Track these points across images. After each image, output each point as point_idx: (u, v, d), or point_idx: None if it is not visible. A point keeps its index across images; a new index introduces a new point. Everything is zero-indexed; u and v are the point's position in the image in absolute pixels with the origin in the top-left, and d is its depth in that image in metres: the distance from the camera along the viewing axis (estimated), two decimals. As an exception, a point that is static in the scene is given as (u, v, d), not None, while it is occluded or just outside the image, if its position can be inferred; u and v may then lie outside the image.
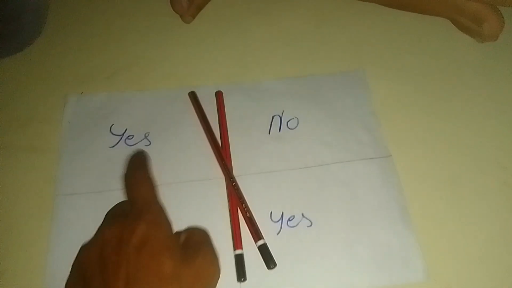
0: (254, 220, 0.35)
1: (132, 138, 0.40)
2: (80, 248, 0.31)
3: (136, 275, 0.26)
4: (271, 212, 0.36)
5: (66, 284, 0.29)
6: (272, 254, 0.34)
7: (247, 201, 0.36)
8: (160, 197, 0.33)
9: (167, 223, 0.30)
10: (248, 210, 0.35)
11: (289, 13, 0.48)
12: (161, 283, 0.26)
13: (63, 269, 0.32)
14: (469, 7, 0.43)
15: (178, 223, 0.34)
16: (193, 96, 0.41)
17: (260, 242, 0.34)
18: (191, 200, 0.37)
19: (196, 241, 0.31)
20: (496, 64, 0.44)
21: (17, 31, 0.44)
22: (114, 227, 0.29)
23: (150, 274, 0.26)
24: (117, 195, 0.36)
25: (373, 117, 0.41)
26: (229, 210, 0.36)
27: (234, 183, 0.36)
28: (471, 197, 0.37)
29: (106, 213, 0.34)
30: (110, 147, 0.39)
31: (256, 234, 0.34)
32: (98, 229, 0.32)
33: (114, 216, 0.32)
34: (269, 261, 0.33)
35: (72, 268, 0.30)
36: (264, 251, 0.34)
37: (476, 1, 0.42)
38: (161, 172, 0.37)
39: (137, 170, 0.34)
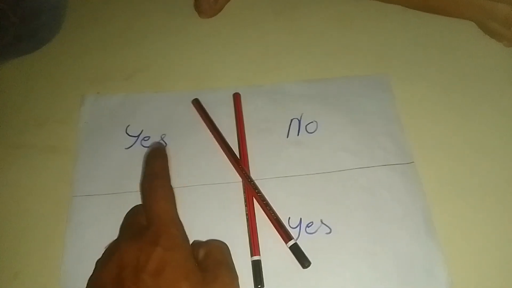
0: (281, 221, 0.34)
1: (148, 139, 0.39)
2: (96, 263, 0.30)
3: None
4: (289, 218, 0.35)
5: None
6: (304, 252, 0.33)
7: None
8: (177, 212, 0.32)
9: (184, 246, 0.29)
10: (273, 211, 0.35)
11: (312, 15, 0.47)
12: None
13: (79, 270, 0.33)
14: (500, 10, 0.42)
15: (194, 228, 0.34)
16: (197, 103, 0.41)
17: (291, 242, 0.33)
18: (207, 204, 0.36)
19: (215, 261, 0.30)
20: (524, 69, 0.43)
21: (35, 30, 0.44)
22: (131, 249, 0.28)
23: None
24: (133, 197, 0.36)
25: (396, 122, 0.40)
26: (246, 215, 0.35)
27: (255, 188, 0.36)
28: (498, 206, 0.36)
29: (123, 219, 0.33)
30: (126, 148, 0.39)
31: (286, 234, 0.34)
32: (115, 242, 0.31)
33: (132, 230, 0.31)
34: (303, 260, 0.33)
35: (87, 283, 0.30)
36: (297, 250, 0.33)
37: (507, 4, 0.41)
38: (177, 174, 0.37)
39: (156, 178, 0.33)
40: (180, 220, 0.32)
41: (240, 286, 0.32)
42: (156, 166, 0.35)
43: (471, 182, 0.37)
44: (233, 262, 0.31)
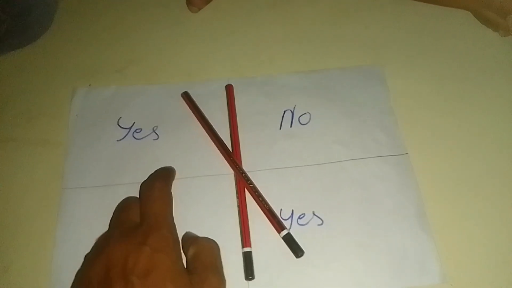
0: (274, 211, 0.34)
1: (140, 131, 0.39)
2: (85, 257, 0.30)
3: None
4: (281, 210, 0.35)
5: None
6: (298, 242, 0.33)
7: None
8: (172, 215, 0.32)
9: (173, 248, 0.29)
10: (266, 202, 0.35)
11: (305, 6, 0.47)
12: None
13: (70, 262, 0.33)
14: (496, -1, 0.41)
15: (186, 220, 0.34)
16: (186, 97, 0.40)
17: (284, 232, 0.33)
18: (199, 196, 0.36)
19: (203, 264, 0.30)
20: (520, 59, 0.42)
21: (26, 26, 0.44)
22: (120, 247, 0.28)
23: None
24: (125, 190, 0.36)
25: (389, 113, 0.40)
26: (238, 207, 0.35)
27: (247, 179, 0.36)
28: (491, 199, 0.36)
29: (114, 212, 0.33)
30: (118, 141, 0.39)
31: (279, 224, 0.34)
32: (104, 238, 0.31)
33: (122, 228, 0.31)
34: (297, 250, 0.33)
35: (75, 277, 0.30)
36: (290, 240, 0.33)
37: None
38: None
39: (157, 180, 0.34)
40: (174, 223, 0.31)
41: (230, 278, 0.32)
42: (160, 172, 0.36)
43: (465, 174, 0.37)
44: (221, 265, 0.31)
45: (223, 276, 0.30)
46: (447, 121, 0.39)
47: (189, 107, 0.40)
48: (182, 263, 0.29)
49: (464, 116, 0.40)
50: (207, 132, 0.38)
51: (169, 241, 0.29)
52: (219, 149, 0.38)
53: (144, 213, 0.31)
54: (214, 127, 0.39)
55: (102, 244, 0.30)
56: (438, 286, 0.32)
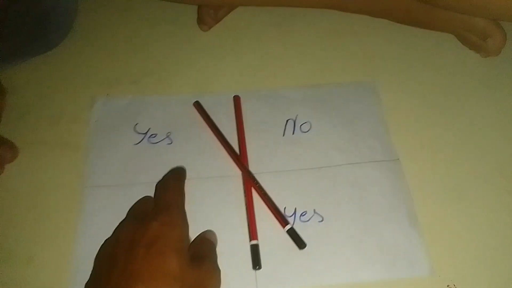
0: (278, 208, 0.37)
1: (155, 136, 0.42)
2: (103, 242, 0.33)
3: (140, 270, 0.28)
4: (284, 208, 0.38)
5: (90, 276, 0.31)
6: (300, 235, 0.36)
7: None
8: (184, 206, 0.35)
9: (182, 227, 0.32)
10: (271, 199, 0.37)
11: (306, 27, 0.51)
12: (164, 281, 0.28)
13: (89, 255, 0.34)
14: (476, 23, 0.45)
15: (197, 216, 0.37)
16: (198, 105, 0.44)
17: (288, 227, 0.36)
18: (209, 195, 0.39)
19: (199, 254, 0.32)
20: (498, 77, 0.47)
21: (46, 31, 0.46)
22: (130, 226, 0.31)
23: (154, 271, 0.28)
24: (140, 188, 0.38)
25: (382, 124, 0.43)
26: (246, 204, 0.38)
27: (253, 179, 0.39)
28: (474, 201, 0.39)
29: (131, 206, 0.36)
30: (134, 145, 0.42)
31: (283, 219, 0.36)
32: (119, 224, 0.34)
33: (135, 213, 0.35)
34: (300, 242, 0.35)
35: (94, 261, 0.32)
36: (293, 234, 0.36)
37: (482, 18, 0.45)
38: None
39: (171, 179, 0.38)
40: (185, 212, 0.34)
41: (239, 268, 0.35)
42: (173, 170, 0.39)
43: (451, 177, 0.40)
44: (216, 257, 0.33)
45: (218, 267, 0.33)
46: (434, 130, 0.43)
47: (200, 114, 0.43)
48: (187, 243, 0.32)
49: (449, 126, 0.43)
50: (216, 137, 0.42)
51: (178, 220, 0.32)
52: (227, 152, 0.41)
53: (157, 199, 0.34)
54: (222, 133, 0.42)
55: (116, 228, 0.33)
56: (426, 278, 0.35)
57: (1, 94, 0.43)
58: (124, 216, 0.37)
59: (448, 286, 0.35)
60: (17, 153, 0.41)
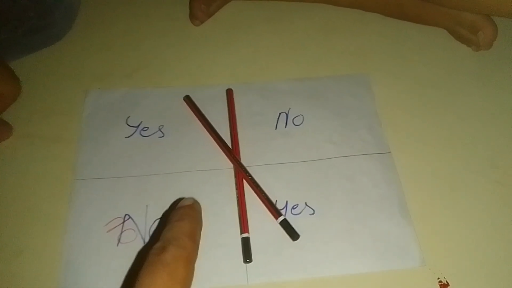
0: (271, 200, 0.37)
1: (147, 129, 0.42)
2: None
3: None
4: (276, 201, 0.38)
5: None
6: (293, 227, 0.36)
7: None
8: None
9: None
10: (263, 191, 0.37)
11: (299, 21, 0.51)
12: None
13: (80, 248, 0.35)
14: (466, 17, 0.46)
15: None
16: (188, 100, 0.43)
17: (281, 218, 0.36)
18: (201, 188, 0.39)
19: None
20: (490, 71, 0.47)
21: (48, 26, 0.46)
22: None
23: None
24: (132, 181, 0.39)
25: (374, 117, 0.43)
26: (237, 197, 0.38)
27: (245, 171, 0.38)
28: (465, 192, 0.39)
29: None
30: (126, 137, 0.41)
31: (276, 211, 0.36)
32: None
33: None
34: (293, 234, 0.35)
35: None
36: (286, 225, 0.36)
37: (472, 12, 0.45)
38: (173, 161, 0.40)
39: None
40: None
41: (230, 261, 0.34)
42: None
43: (442, 169, 0.40)
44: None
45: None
46: (425, 124, 0.43)
47: (191, 109, 0.43)
48: None
49: (440, 119, 0.43)
50: (208, 131, 0.42)
51: None
52: (219, 146, 0.41)
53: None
54: (215, 126, 0.42)
55: None
56: (417, 269, 0.35)
57: (15, 83, 0.43)
58: (115, 208, 0.37)
59: (438, 279, 0.35)
60: (11, 131, 0.41)
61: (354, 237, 0.36)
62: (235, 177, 0.39)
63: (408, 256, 0.35)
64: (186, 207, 0.28)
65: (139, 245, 0.36)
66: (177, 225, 0.26)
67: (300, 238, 0.36)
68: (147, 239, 0.36)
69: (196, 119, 0.43)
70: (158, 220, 0.37)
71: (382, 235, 0.36)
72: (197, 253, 0.26)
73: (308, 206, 0.38)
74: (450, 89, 0.46)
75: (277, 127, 0.42)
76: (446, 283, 0.34)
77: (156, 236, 0.36)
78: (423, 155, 0.41)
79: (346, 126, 0.43)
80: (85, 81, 0.46)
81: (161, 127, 0.42)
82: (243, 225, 0.36)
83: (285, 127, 0.42)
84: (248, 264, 0.35)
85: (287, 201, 0.38)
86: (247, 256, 0.35)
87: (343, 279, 0.35)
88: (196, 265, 0.33)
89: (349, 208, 0.38)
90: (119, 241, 0.36)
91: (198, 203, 0.29)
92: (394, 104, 0.44)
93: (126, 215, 0.37)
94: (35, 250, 0.36)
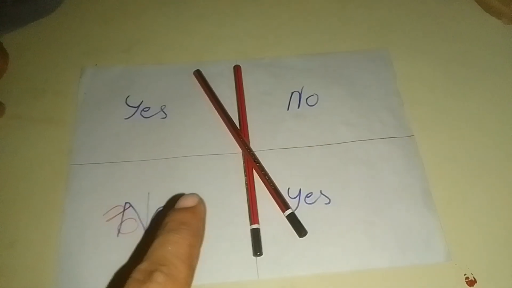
0: (279, 191, 0.34)
1: (148, 110, 0.39)
2: None
3: None
4: (288, 189, 0.35)
5: None
6: (301, 221, 0.33)
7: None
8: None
9: None
10: (272, 182, 0.35)
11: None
12: None
13: (77, 238, 0.33)
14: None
15: None
16: (198, 75, 0.40)
17: (288, 212, 0.33)
18: (207, 174, 0.36)
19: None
20: (523, 46, 0.43)
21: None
22: None
23: None
24: (132, 166, 0.36)
25: (396, 96, 0.40)
26: (246, 185, 0.35)
27: (254, 158, 0.36)
28: (495, 180, 0.36)
29: None
30: (126, 119, 0.39)
31: (284, 204, 0.34)
32: None
33: None
34: (300, 229, 0.33)
35: None
36: (294, 219, 0.33)
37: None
38: (177, 144, 0.37)
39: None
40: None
41: (239, 254, 0.32)
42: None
43: (470, 155, 0.37)
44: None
45: None
46: (452, 104, 0.40)
47: (201, 85, 0.40)
48: None
49: (468, 98, 0.40)
50: (217, 111, 0.38)
51: None
52: (228, 128, 0.38)
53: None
54: (216, 109, 0.39)
55: None
56: (442, 265, 0.32)
57: (3, 58, 0.41)
58: (114, 195, 0.35)
59: (465, 275, 0.32)
60: (4, 110, 0.39)
61: (373, 229, 0.34)
62: (244, 163, 0.36)
63: (432, 250, 0.33)
64: (186, 211, 0.23)
65: (140, 235, 0.34)
66: (171, 240, 0.21)
67: (314, 229, 0.33)
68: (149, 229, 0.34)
69: (201, 98, 0.40)
70: (161, 208, 0.35)
71: (404, 227, 0.34)
72: (191, 281, 0.21)
73: (323, 195, 0.35)
74: (478, 66, 0.42)
75: (289, 107, 0.39)
76: (473, 279, 0.32)
77: (156, 226, 0.33)
78: (449, 139, 0.38)
79: (365, 107, 0.39)
80: (80, 58, 0.42)
81: (163, 107, 0.39)
82: (253, 215, 0.34)
83: (298, 107, 0.39)
84: (258, 258, 0.33)
85: (300, 189, 0.35)
86: (257, 249, 0.32)
87: (361, 275, 0.32)
88: (202, 257, 0.30)
89: (368, 197, 0.35)
90: (119, 231, 0.34)
91: (203, 203, 0.24)
92: (417, 82, 0.41)
93: (126, 203, 0.35)
94: (28, 242, 0.34)
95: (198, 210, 0.24)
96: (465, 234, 0.34)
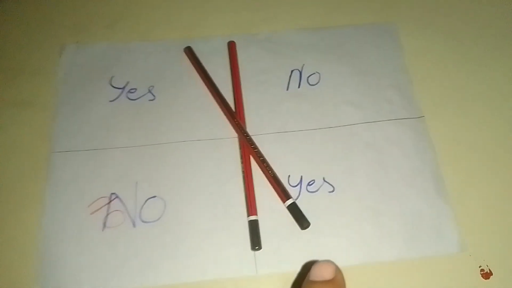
0: (279, 179, 0.32)
1: (134, 91, 0.36)
2: None
3: None
4: (289, 176, 0.33)
5: None
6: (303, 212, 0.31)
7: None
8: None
9: None
10: (271, 169, 0.32)
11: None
12: None
13: (59, 231, 0.31)
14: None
15: (187, 187, 0.33)
16: (189, 52, 0.38)
17: (289, 202, 0.31)
18: (200, 161, 0.33)
19: None
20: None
21: None
22: None
23: None
24: (118, 153, 0.34)
25: (404, 74, 0.37)
26: (243, 172, 0.33)
27: (251, 143, 0.33)
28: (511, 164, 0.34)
29: None
30: (110, 101, 0.36)
31: (284, 193, 0.31)
32: None
33: None
34: (302, 221, 0.30)
35: None
36: (295, 210, 0.31)
37: None
38: (167, 129, 0.35)
39: None
40: None
41: (236, 247, 0.30)
42: None
43: (485, 137, 0.35)
44: None
45: None
46: (465, 81, 0.37)
47: (192, 63, 0.37)
48: None
49: (481, 76, 0.37)
50: (210, 92, 0.36)
51: None
52: (222, 110, 0.35)
53: None
54: (209, 90, 0.36)
55: None
56: (455, 256, 0.30)
57: None
58: (98, 185, 0.33)
59: (480, 267, 0.30)
60: None
61: (381, 218, 0.32)
62: (240, 148, 0.33)
63: (444, 240, 0.31)
64: (325, 285, 0.21)
65: (128, 229, 0.31)
66: None
67: (318, 220, 0.31)
68: (137, 222, 0.32)
69: (192, 78, 0.37)
70: (151, 199, 0.32)
71: (414, 215, 0.32)
72: None
73: (327, 182, 0.33)
74: (493, 42, 0.39)
75: (289, 87, 0.37)
76: (489, 271, 0.30)
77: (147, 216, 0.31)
78: (462, 120, 0.35)
79: (371, 86, 0.37)
80: (60, 35, 0.39)
81: (151, 88, 0.37)
82: (251, 206, 0.31)
83: (298, 87, 0.37)
84: (257, 252, 0.30)
85: (301, 177, 0.33)
86: (255, 242, 0.30)
87: (368, 269, 0.30)
88: (196, 252, 0.30)
89: (375, 184, 0.33)
90: (104, 225, 0.31)
91: (341, 272, 0.22)
92: (427, 59, 0.38)
93: (112, 194, 0.32)
94: (5, 237, 0.31)
95: (338, 283, 0.21)
96: (480, 223, 0.32)
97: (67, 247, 0.30)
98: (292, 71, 0.37)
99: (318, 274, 0.22)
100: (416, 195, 0.32)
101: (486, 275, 0.30)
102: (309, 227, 0.31)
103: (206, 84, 0.36)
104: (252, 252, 0.30)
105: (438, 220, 0.31)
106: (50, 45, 0.38)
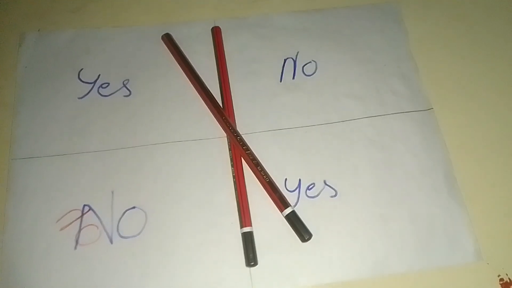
0: (275, 184, 0.30)
1: (107, 86, 0.34)
2: None
3: None
4: (285, 180, 0.31)
5: None
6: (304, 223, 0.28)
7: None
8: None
9: None
10: (265, 172, 0.30)
11: None
12: None
13: (23, 251, 0.29)
14: None
15: (170, 194, 0.30)
16: (168, 40, 0.35)
17: (288, 210, 0.29)
18: (185, 165, 0.31)
19: None
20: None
21: None
22: None
23: None
24: (89, 159, 0.31)
25: (409, 61, 0.36)
26: (234, 177, 0.30)
27: (243, 144, 0.30)
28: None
29: None
30: (79, 98, 0.33)
31: (281, 200, 0.29)
32: None
33: None
34: (303, 232, 0.28)
35: None
36: (294, 220, 0.28)
37: None
38: (145, 130, 0.32)
39: None
40: None
41: (228, 264, 0.28)
42: None
43: (500, 131, 0.33)
44: None
45: None
46: (477, 68, 0.36)
47: (172, 53, 0.34)
48: None
49: (495, 62, 0.36)
50: (193, 85, 0.33)
51: None
52: (207, 106, 0.32)
53: None
54: (193, 84, 0.34)
55: None
56: (472, 265, 0.29)
57: None
58: (66, 195, 0.30)
59: (499, 276, 0.29)
60: None
61: (389, 225, 0.30)
62: (230, 150, 0.31)
63: (459, 247, 0.29)
64: None
65: (104, 246, 0.29)
66: None
67: (319, 229, 0.29)
68: (114, 237, 0.29)
69: (173, 69, 0.34)
70: (130, 210, 0.29)
71: (425, 221, 0.30)
72: None
73: (328, 186, 0.31)
74: (504, 23, 0.37)
75: (282, 78, 0.35)
76: (508, 281, 0.29)
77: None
78: (475, 112, 0.34)
79: (373, 74, 0.35)
80: (19, 21, 0.36)
81: (126, 82, 0.34)
82: (244, 216, 0.29)
83: (293, 78, 0.35)
84: (252, 268, 0.28)
85: (300, 180, 0.31)
86: (250, 257, 0.28)
87: (376, 283, 0.28)
88: (183, 271, 0.28)
89: (381, 186, 0.31)
90: (77, 242, 0.29)
91: None
92: (434, 43, 0.36)
93: (85, 206, 0.30)
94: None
95: None
96: (498, 228, 0.30)
97: (33, 270, 0.28)
98: (285, 59, 0.35)
99: None
100: (426, 197, 0.30)
101: (506, 285, 0.29)
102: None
103: (188, 76, 0.33)
104: (247, 268, 0.28)
105: (452, 225, 0.30)
106: (8, 34, 0.35)
